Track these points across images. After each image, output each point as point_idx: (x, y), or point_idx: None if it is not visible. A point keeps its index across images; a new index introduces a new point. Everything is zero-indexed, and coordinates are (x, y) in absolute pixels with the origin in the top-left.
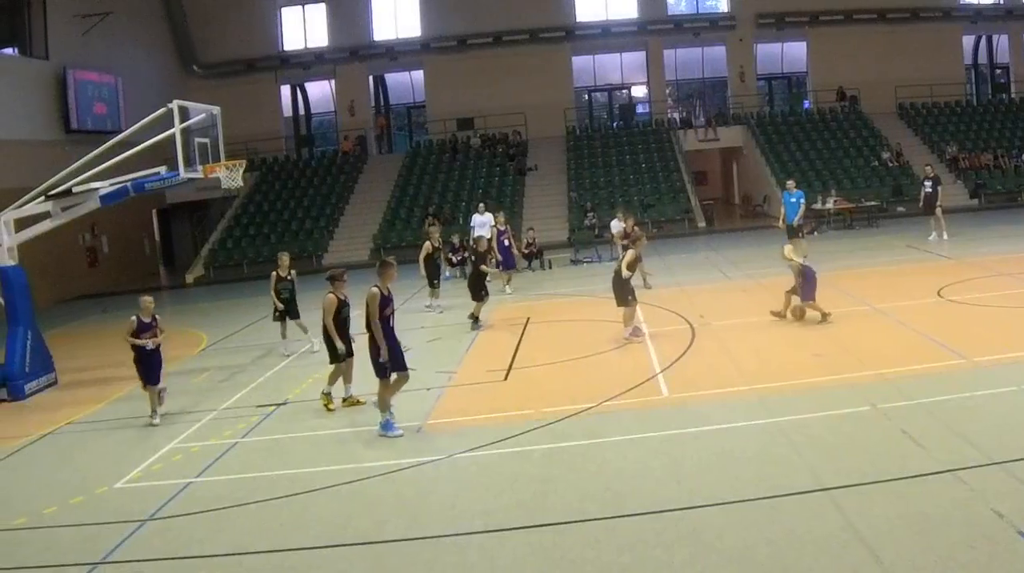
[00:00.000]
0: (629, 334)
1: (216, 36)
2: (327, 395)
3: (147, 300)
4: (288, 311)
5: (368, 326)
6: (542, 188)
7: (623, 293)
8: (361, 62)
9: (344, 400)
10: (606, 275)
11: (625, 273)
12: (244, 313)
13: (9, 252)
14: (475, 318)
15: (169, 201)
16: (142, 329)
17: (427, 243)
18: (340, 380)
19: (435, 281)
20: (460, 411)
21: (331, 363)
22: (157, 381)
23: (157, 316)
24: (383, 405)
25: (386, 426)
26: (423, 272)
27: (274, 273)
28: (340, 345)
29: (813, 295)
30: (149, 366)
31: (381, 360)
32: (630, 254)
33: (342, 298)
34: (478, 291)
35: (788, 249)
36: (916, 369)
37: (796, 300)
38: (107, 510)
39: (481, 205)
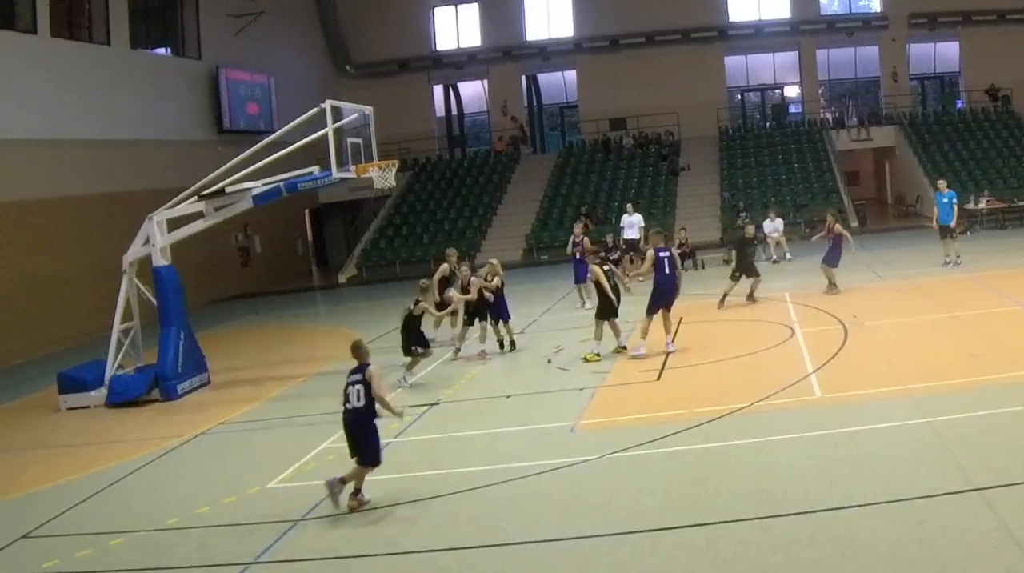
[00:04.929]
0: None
1: (369, 36)
2: (596, 354)
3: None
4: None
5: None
6: (694, 188)
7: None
8: (514, 62)
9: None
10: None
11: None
12: (397, 313)
13: (162, 252)
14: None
15: (322, 201)
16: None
17: (571, 238)
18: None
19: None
20: (613, 411)
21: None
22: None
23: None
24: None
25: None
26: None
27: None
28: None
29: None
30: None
31: None
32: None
33: (607, 269)
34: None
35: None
36: None
37: None
38: (260, 510)
39: (629, 205)
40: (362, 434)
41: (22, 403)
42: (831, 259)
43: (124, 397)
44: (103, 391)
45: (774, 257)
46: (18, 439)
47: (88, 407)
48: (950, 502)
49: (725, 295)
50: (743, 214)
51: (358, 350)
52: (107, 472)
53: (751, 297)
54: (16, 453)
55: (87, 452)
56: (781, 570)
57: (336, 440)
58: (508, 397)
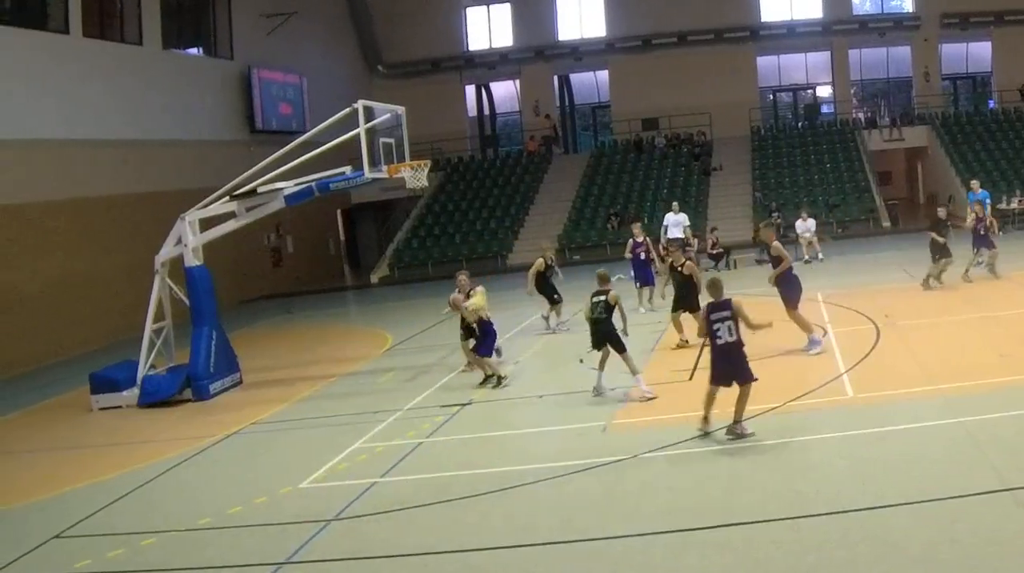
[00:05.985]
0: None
1: (401, 36)
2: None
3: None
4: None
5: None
6: (727, 188)
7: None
8: (546, 62)
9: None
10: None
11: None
12: (429, 313)
13: (194, 252)
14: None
15: (354, 201)
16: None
17: (630, 241)
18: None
19: (638, 280)
20: (645, 411)
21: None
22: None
23: None
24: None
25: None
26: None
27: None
28: None
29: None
30: None
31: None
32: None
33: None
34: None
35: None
36: None
37: None
38: (292, 510)
39: (675, 204)
40: (739, 361)
41: (54, 403)
42: (987, 242)
43: (156, 397)
44: (135, 391)
45: (806, 257)
46: (50, 439)
47: (120, 407)
48: (982, 502)
49: (937, 275)
50: (775, 214)
51: (715, 287)
52: (139, 472)
53: (935, 281)
54: (48, 453)
55: (119, 452)
56: (813, 570)
57: (368, 440)
58: (540, 397)
